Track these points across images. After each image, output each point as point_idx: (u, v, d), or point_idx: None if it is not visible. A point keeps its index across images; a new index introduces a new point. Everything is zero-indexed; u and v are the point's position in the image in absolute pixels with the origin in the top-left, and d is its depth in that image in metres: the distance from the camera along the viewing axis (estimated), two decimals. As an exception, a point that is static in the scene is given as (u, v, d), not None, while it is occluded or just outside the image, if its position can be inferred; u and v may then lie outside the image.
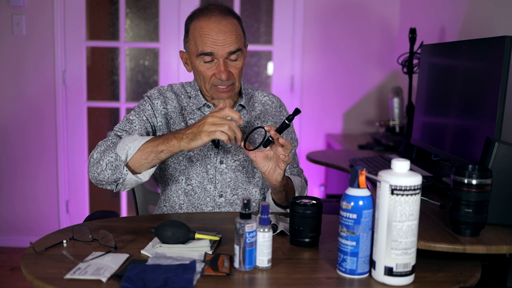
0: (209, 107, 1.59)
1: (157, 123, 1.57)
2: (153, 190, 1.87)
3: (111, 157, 1.37)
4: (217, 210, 1.58)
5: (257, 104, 1.67)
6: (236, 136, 1.32)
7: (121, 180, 1.38)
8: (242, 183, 1.60)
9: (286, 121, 1.35)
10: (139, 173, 1.39)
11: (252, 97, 1.68)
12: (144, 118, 1.55)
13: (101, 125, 3.61)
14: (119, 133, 1.50)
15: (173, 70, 3.33)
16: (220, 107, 1.34)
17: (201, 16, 1.49)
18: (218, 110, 1.32)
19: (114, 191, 1.44)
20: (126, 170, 1.36)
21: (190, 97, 1.61)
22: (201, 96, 1.59)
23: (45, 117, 3.29)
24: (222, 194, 1.58)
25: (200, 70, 1.51)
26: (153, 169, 1.40)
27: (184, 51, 1.58)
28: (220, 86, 1.50)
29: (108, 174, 1.38)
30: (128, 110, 3.38)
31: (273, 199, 1.53)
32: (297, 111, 1.33)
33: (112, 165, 1.37)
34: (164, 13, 3.28)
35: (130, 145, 1.36)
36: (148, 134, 1.54)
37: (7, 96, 3.25)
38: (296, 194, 1.54)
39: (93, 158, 1.42)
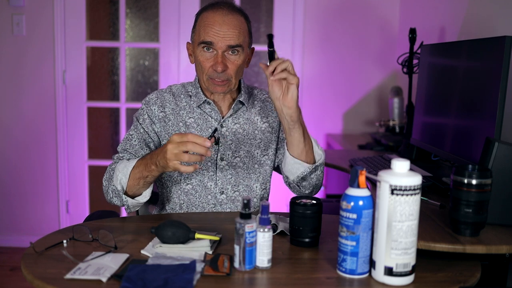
0: (209, 103, 1.60)
1: (157, 128, 1.61)
2: (153, 190, 1.86)
3: (113, 186, 1.48)
4: (219, 207, 1.59)
5: (256, 102, 1.68)
6: (202, 156, 1.29)
7: (125, 206, 1.50)
8: (243, 179, 1.60)
9: (269, 49, 1.39)
10: (140, 195, 1.48)
11: (251, 95, 1.69)
12: (142, 130, 1.59)
13: (101, 125, 3.61)
14: (121, 155, 1.57)
15: (173, 70, 3.33)
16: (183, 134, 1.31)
17: (209, 9, 1.54)
18: (180, 135, 1.30)
19: (127, 211, 1.55)
20: (126, 198, 1.47)
21: (190, 96, 1.63)
22: (201, 93, 1.60)
23: (45, 117, 3.29)
24: (223, 191, 1.58)
25: (199, 60, 1.53)
26: (150, 189, 1.48)
27: (190, 42, 1.62)
28: (216, 79, 1.52)
29: (115, 201, 1.51)
30: (128, 110, 3.39)
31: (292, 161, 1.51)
32: (270, 36, 1.38)
33: (115, 194, 1.48)
34: (164, 13, 3.28)
35: (121, 176, 1.45)
36: (147, 145, 1.59)
37: (7, 96, 3.25)
38: (316, 158, 1.53)
39: (103, 185, 1.54)
